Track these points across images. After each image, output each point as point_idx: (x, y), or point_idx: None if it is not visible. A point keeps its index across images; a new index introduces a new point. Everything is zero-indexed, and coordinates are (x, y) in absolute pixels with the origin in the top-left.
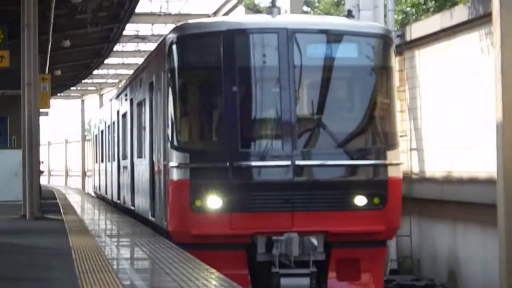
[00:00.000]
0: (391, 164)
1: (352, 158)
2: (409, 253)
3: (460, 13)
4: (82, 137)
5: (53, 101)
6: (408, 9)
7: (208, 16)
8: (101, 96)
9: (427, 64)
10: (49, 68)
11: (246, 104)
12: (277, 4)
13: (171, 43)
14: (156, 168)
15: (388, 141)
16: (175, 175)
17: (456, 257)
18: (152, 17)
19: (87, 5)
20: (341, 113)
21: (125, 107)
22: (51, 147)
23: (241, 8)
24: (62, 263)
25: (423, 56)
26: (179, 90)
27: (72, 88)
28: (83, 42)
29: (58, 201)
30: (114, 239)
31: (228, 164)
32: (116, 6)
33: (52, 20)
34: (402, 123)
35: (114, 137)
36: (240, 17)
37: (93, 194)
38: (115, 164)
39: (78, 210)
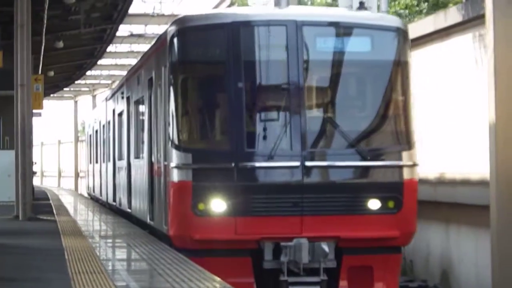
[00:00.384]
0: (406, 165)
1: (365, 159)
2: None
3: (453, 15)
4: (75, 138)
5: (46, 102)
6: (402, 11)
7: None
8: (94, 97)
9: (420, 65)
10: (42, 68)
11: (253, 101)
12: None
13: (173, 36)
14: (155, 169)
15: (404, 140)
16: (176, 176)
17: (449, 258)
18: (145, 18)
19: (80, 6)
20: (353, 111)
21: (121, 105)
22: (44, 148)
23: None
24: (55, 264)
25: (416, 57)
26: (181, 85)
27: (65, 89)
28: (76, 43)
29: (51, 202)
30: (107, 240)
31: (233, 164)
32: (110, 6)
33: (45, 21)
34: None
35: (109, 137)
36: (246, 9)
37: (86, 195)
38: (110, 164)
39: (71, 211)
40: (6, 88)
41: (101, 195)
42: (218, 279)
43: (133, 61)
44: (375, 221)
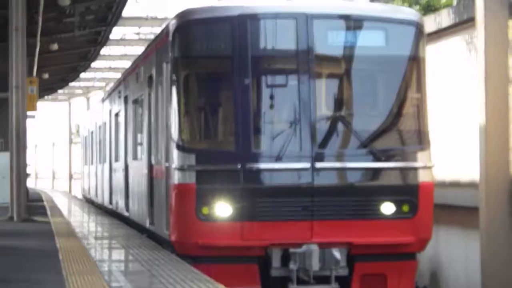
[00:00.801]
0: (422, 167)
1: (379, 160)
2: None
3: (444, 18)
4: (69, 140)
5: (40, 104)
6: None
7: None
8: (88, 99)
9: None
10: (37, 71)
11: (260, 98)
12: None
13: (176, 30)
14: (155, 171)
15: (419, 141)
16: (179, 178)
17: (439, 260)
18: (138, 20)
19: (75, 9)
20: (366, 110)
21: (118, 105)
22: (37, 149)
23: None
24: (49, 265)
25: None
26: (184, 82)
27: (59, 91)
28: (70, 45)
29: (45, 203)
30: (101, 241)
31: (239, 166)
32: (104, 9)
33: (40, 24)
34: None
35: (105, 138)
36: (254, 1)
37: (81, 197)
38: (106, 166)
39: (65, 213)
40: (0, 90)
41: (96, 197)
42: (211, 279)
43: (126, 64)
44: (390, 226)
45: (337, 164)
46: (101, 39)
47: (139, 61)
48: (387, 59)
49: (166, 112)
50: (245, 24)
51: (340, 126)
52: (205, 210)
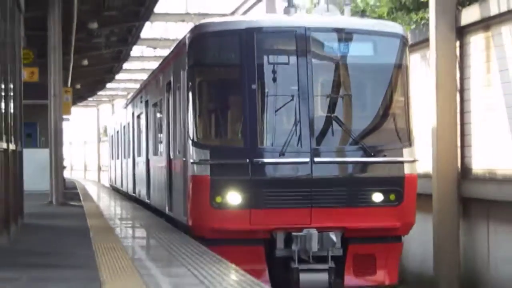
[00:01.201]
0: (407, 161)
1: (369, 155)
2: None
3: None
4: (97, 139)
5: (73, 109)
6: None
7: None
8: (112, 105)
9: None
10: (71, 82)
11: (265, 101)
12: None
13: (192, 41)
14: (174, 164)
15: (404, 138)
16: (195, 171)
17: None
18: (154, 41)
19: (101, 31)
20: (358, 111)
21: (140, 109)
22: (72, 146)
23: None
24: (81, 241)
25: None
26: (199, 87)
27: (89, 98)
28: (98, 61)
29: (78, 191)
30: (125, 222)
31: (247, 160)
32: (125, 32)
33: (73, 43)
34: None
35: (129, 136)
36: (259, 16)
37: (108, 186)
38: (130, 160)
39: (95, 198)
40: (41, 98)
41: (121, 186)
42: (241, 271)
43: (144, 76)
44: (378, 212)
45: (333, 159)
46: (123, 56)
47: (157, 71)
48: (376, 67)
49: (183, 113)
50: (252, 36)
51: (335, 126)
52: (218, 199)
